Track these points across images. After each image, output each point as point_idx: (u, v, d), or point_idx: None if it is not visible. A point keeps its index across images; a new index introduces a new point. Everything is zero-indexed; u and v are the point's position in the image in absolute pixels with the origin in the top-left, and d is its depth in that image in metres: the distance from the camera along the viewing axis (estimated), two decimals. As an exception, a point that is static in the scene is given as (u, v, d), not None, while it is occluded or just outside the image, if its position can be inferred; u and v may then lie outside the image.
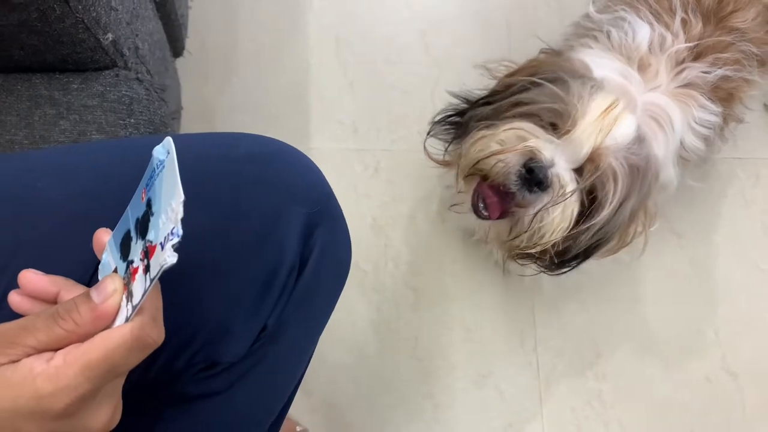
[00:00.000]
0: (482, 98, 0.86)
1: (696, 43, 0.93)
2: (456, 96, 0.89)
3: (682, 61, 0.93)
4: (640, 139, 0.69)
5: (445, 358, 1.14)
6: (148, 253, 0.36)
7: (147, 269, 0.36)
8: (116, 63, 0.65)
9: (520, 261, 0.83)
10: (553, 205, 0.70)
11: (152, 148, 0.38)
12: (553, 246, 0.74)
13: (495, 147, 0.73)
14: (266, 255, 0.47)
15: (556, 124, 0.70)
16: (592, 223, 0.69)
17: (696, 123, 0.94)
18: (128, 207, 0.39)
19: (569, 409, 1.16)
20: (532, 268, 0.84)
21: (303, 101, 1.22)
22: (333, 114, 1.22)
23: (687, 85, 0.92)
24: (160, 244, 0.35)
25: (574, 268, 0.81)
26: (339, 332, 1.13)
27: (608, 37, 0.96)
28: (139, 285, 0.36)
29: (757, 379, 1.21)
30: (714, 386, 1.20)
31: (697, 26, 0.93)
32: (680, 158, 0.98)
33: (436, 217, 1.20)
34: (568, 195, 0.69)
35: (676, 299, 1.24)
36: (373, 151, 1.21)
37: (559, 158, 0.69)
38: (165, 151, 0.36)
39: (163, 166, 0.36)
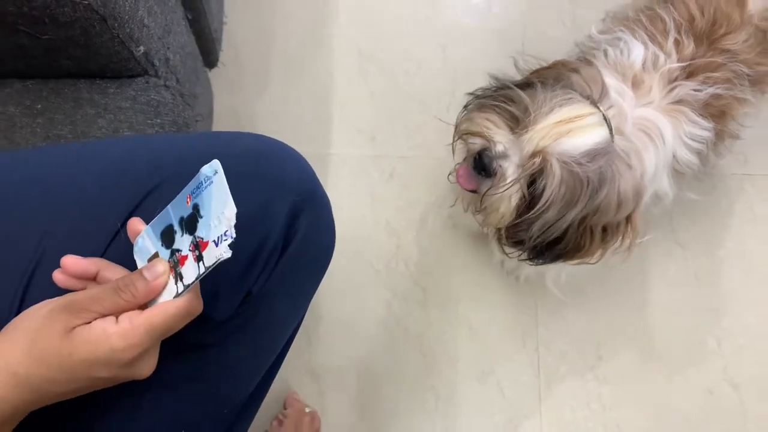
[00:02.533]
0: (496, 87, 0.93)
1: (688, 62, 0.97)
2: (493, 77, 0.97)
3: (675, 79, 0.97)
4: (596, 155, 0.75)
5: (450, 354, 1.21)
6: (199, 246, 0.46)
7: (199, 258, 0.46)
8: (147, 71, 0.76)
9: (504, 246, 0.90)
10: (494, 191, 0.78)
11: (171, 146, 0.48)
12: (507, 231, 0.82)
13: (473, 128, 0.82)
14: (254, 234, 0.55)
15: (519, 123, 0.78)
16: (528, 216, 0.77)
17: (687, 137, 0.98)
18: (169, 206, 0.49)
19: (569, 409, 1.21)
20: (514, 254, 0.91)
21: (325, 109, 1.31)
22: (353, 122, 1.31)
23: (678, 102, 0.97)
24: (214, 241, 0.45)
25: (546, 262, 0.87)
26: (350, 325, 1.20)
27: (605, 55, 1.02)
28: (191, 270, 0.46)
29: (759, 391, 1.23)
30: (715, 397, 1.23)
31: (689, 47, 0.98)
32: (675, 171, 1.02)
33: (447, 222, 1.27)
34: (508, 184, 0.77)
35: (680, 309, 1.27)
36: (390, 157, 1.30)
37: (511, 152, 0.77)
38: (213, 171, 0.46)
39: (211, 182, 0.46)
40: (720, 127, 1.02)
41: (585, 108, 0.77)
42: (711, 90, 0.97)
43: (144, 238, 0.51)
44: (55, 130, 0.72)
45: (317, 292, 1.21)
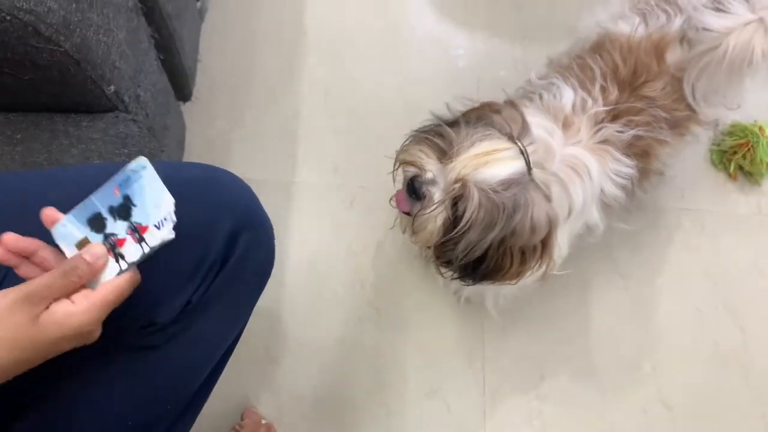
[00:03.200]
0: (431, 124, 1.04)
1: (613, 106, 1.08)
2: (434, 115, 1.07)
3: (601, 121, 1.08)
4: (510, 183, 0.85)
5: (401, 371, 1.29)
6: (137, 231, 0.55)
7: (141, 240, 0.55)
8: (118, 107, 0.86)
9: (438, 264, 0.99)
10: (423, 212, 0.88)
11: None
12: (437, 250, 0.92)
13: (408, 158, 0.93)
14: (195, 249, 0.64)
15: (445, 155, 0.88)
16: (452, 235, 0.86)
17: (612, 173, 1.08)
18: (92, 196, 0.57)
19: (511, 425, 1.28)
20: (448, 274, 1.00)
21: (293, 141, 1.42)
22: (318, 153, 1.42)
23: (604, 142, 1.07)
24: (155, 225, 0.55)
25: (475, 282, 0.96)
26: (309, 342, 1.28)
27: (540, 98, 1.13)
28: (133, 250, 0.55)
29: (691, 411, 1.32)
30: (649, 416, 1.31)
31: (613, 93, 1.09)
32: (604, 204, 1.12)
33: (403, 247, 1.36)
34: (434, 206, 0.87)
35: (618, 334, 1.36)
36: (350, 187, 1.40)
37: (438, 179, 0.88)
38: (141, 166, 0.56)
39: (141, 176, 0.55)
40: (643, 165, 1.12)
41: (502, 143, 0.87)
42: (633, 131, 1.08)
43: (66, 225, 0.57)
44: (32, 157, 0.82)
45: (279, 309, 1.31)
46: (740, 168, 1.49)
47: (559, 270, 1.09)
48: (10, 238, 0.55)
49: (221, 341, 0.72)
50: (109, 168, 0.73)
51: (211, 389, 0.75)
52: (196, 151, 1.35)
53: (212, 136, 1.40)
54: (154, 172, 0.55)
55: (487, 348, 1.32)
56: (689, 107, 1.12)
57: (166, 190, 0.55)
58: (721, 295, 1.41)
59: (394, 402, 1.27)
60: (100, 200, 0.57)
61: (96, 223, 0.57)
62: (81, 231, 0.57)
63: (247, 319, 0.77)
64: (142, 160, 0.56)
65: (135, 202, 0.56)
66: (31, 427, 0.63)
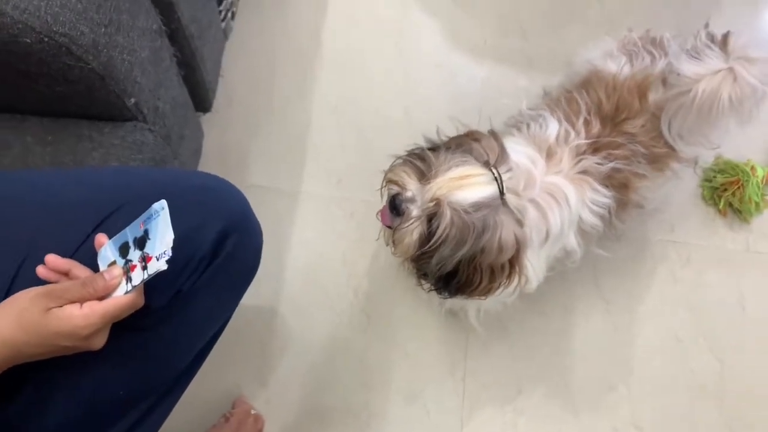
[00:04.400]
0: (417, 148, 1.13)
1: (594, 140, 1.15)
2: (426, 139, 1.16)
3: (582, 153, 1.15)
4: (481, 206, 0.93)
5: (385, 375, 1.37)
6: (145, 259, 0.66)
7: (144, 268, 0.66)
8: (137, 117, 0.97)
9: (417, 276, 1.08)
10: (401, 226, 0.97)
11: (137, 176, 0.68)
12: (414, 262, 1.02)
13: (393, 177, 1.03)
14: (187, 246, 0.74)
15: (425, 177, 0.97)
16: (427, 248, 0.95)
17: (590, 203, 1.15)
18: (127, 229, 0.69)
19: (486, 434, 1.36)
20: (426, 286, 1.09)
21: (301, 154, 1.52)
22: (324, 166, 1.52)
23: (584, 172, 1.14)
24: (156, 257, 0.65)
25: (450, 295, 1.04)
26: (300, 342, 1.38)
27: (528, 128, 1.21)
28: (138, 275, 0.66)
29: (661, 435, 1.37)
30: (620, 436, 1.37)
31: (596, 127, 1.16)
32: (582, 231, 1.20)
33: (396, 260, 1.45)
34: (411, 221, 0.96)
35: (597, 356, 1.42)
36: (352, 200, 1.49)
37: (417, 197, 0.97)
38: (161, 207, 0.67)
39: (159, 215, 0.67)
40: (621, 196, 1.19)
41: (476, 169, 0.96)
42: (612, 164, 1.14)
43: (106, 249, 0.70)
44: (60, 157, 0.94)
45: (274, 309, 1.41)
46: (730, 205, 1.54)
47: (537, 289, 1.18)
48: (51, 258, 0.67)
49: (206, 328, 0.82)
50: (116, 170, 0.85)
51: (196, 371, 0.85)
52: (212, 158, 1.46)
53: (228, 145, 1.52)
54: (168, 213, 0.66)
55: (469, 360, 1.40)
56: (668, 144, 1.18)
57: (171, 228, 0.65)
58: (702, 326, 1.46)
59: (377, 404, 1.35)
60: (131, 232, 0.69)
61: (123, 249, 0.69)
62: (113, 255, 0.69)
63: (231, 314, 0.87)
64: (163, 202, 0.67)
65: (150, 236, 0.67)
66: (26, 403, 0.72)
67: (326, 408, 1.34)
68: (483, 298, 1.04)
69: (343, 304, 1.42)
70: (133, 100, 0.94)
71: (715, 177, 1.55)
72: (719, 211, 1.55)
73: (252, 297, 1.35)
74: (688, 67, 1.08)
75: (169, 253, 0.65)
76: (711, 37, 1.15)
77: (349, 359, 1.38)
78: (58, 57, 0.80)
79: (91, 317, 0.63)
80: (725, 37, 1.13)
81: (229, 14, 1.52)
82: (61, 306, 0.64)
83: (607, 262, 1.44)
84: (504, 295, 1.09)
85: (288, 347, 1.37)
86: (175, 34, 1.11)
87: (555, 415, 1.38)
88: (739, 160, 1.55)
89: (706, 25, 1.19)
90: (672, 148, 1.20)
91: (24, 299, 0.64)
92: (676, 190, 1.56)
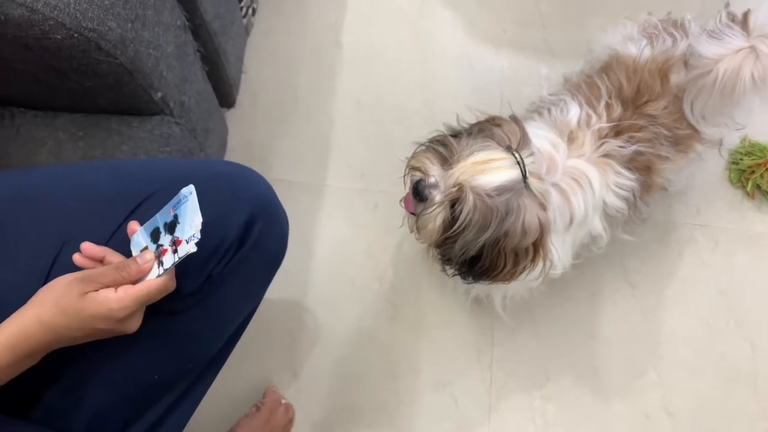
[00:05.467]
0: (439, 134, 1.14)
1: (616, 123, 1.15)
2: (446, 126, 1.17)
3: (604, 137, 1.14)
4: (504, 190, 0.93)
5: (412, 364, 1.38)
6: (175, 243, 0.68)
7: (175, 251, 0.68)
8: (164, 111, 0.99)
9: (441, 262, 1.09)
10: (425, 212, 0.98)
11: (167, 167, 0.71)
12: (437, 247, 1.02)
13: (416, 164, 1.03)
14: (216, 233, 0.76)
15: (447, 162, 0.98)
16: (449, 234, 0.95)
17: (614, 186, 1.15)
18: (157, 215, 0.71)
19: (514, 422, 1.36)
20: (450, 271, 1.09)
21: (324, 148, 1.54)
22: (347, 160, 1.54)
23: (606, 156, 1.14)
24: (185, 240, 0.67)
25: (474, 280, 1.05)
26: (329, 332, 1.40)
27: (549, 113, 1.21)
28: (169, 259, 0.68)
29: (694, 420, 1.36)
30: (651, 422, 1.36)
31: (617, 110, 1.16)
32: (607, 215, 1.19)
33: (420, 249, 1.46)
34: (435, 206, 0.96)
35: (625, 341, 1.42)
36: (375, 191, 1.51)
37: (440, 183, 0.97)
38: (189, 192, 0.69)
39: (188, 199, 0.69)
40: (645, 179, 1.18)
41: (498, 153, 0.96)
42: (634, 147, 1.14)
43: (138, 235, 0.73)
44: (91, 151, 0.96)
45: (302, 301, 1.43)
46: (758, 187, 1.52)
47: (562, 275, 1.18)
48: (86, 246, 0.70)
49: (236, 313, 0.84)
50: (145, 162, 0.87)
51: (226, 357, 0.87)
52: (237, 153, 1.49)
53: (253, 140, 1.54)
54: (195, 197, 0.68)
55: (495, 347, 1.40)
56: (691, 126, 1.17)
57: (199, 212, 0.67)
58: (732, 310, 1.45)
59: (405, 392, 1.36)
60: (161, 218, 0.71)
61: (155, 235, 0.71)
62: (145, 240, 0.72)
63: (260, 299, 0.89)
64: (191, 188, 0.69)
65: (180, 220, 0.69)
66: (63, 388, 0.75)
67: (355, 397, 1.35)
68: (507, 282, 1.05)
69: (369, 294, 1.43)
70: (159, 94, 0.96)
71: (742, 159, 1.53)
72: (747, 193, 1.53)
73: (280, 290, 1.39)
74: (709, 48, 1.07)
75: (198, 236, 0.66)
76: (732, 17, 1.14)
77: (376, 348, 1.39)
78: (87, 52, 0.83)
79: (125, 300, 0.66)
80: (745, 15, 1.11)
81: (250, 11, 1.55)
82: (96, 290, 0.66)
83: (634, 247, 1.43)
84: (529, 281, 1.09)
85: (316, 338, 1.39)
86: (198, 30, 1.13)
87: (585, 402, 1.37)
88: (766, 142, 1.53)
89: (727, 5, 1.18)
90: (695, 130, 1.19)
91: (61, 284, 0.66)
92: (702, 174, 1.54)
